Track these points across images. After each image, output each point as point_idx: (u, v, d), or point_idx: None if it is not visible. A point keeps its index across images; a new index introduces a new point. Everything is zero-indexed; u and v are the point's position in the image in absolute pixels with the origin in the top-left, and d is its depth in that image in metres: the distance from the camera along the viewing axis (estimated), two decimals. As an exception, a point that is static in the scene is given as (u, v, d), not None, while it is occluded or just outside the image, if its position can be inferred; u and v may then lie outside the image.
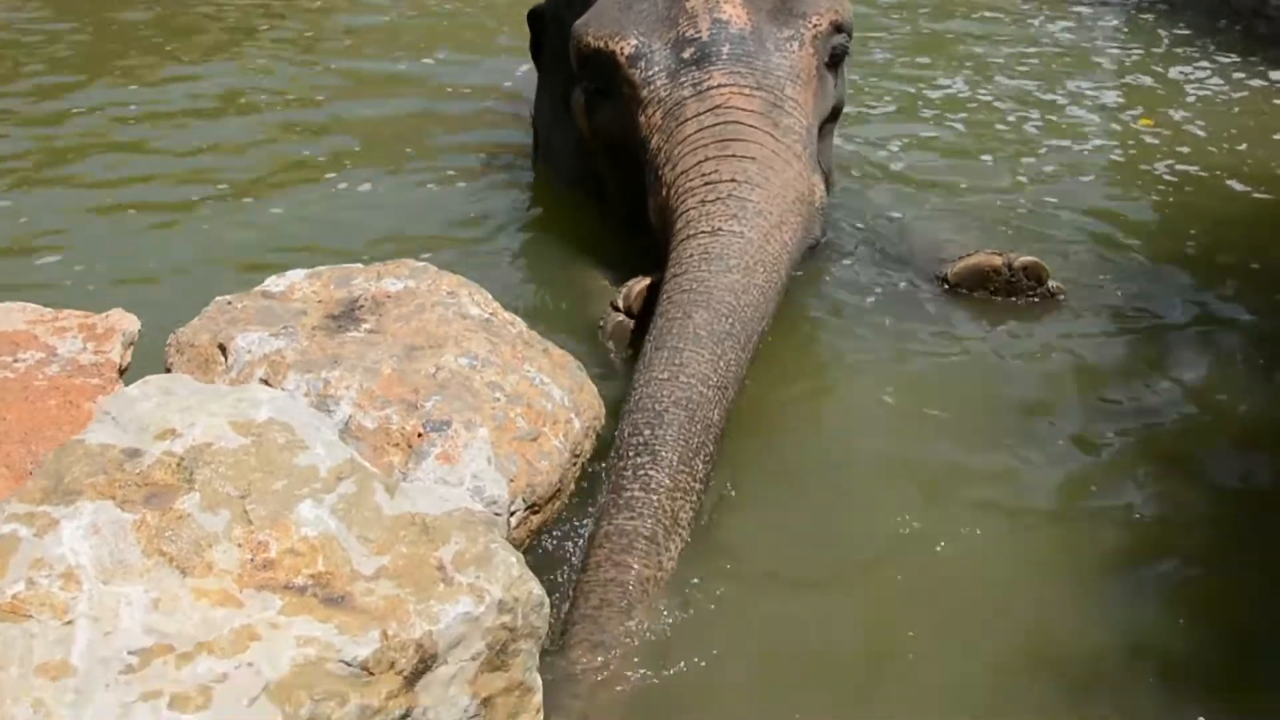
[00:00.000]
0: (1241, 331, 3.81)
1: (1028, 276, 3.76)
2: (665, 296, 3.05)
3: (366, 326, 2.66)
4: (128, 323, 2.65)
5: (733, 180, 3.22)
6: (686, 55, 3.45)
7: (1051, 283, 3.78)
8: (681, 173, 3.30)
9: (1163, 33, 7.40)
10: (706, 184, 3.23)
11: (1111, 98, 6.12)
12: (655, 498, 2.58)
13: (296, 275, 2.85)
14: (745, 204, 3.18)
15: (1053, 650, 2.51)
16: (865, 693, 2.40)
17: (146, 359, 2.74)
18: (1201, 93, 6.22)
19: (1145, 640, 2.55)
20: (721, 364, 2.86)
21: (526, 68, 5.22)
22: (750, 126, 3.33)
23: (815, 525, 2.84)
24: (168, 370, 2.61)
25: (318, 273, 2.86)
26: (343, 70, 6.24)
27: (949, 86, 6.10)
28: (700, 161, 3.28)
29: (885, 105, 5.69)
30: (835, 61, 3.75)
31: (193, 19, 7.09)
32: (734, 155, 3.27)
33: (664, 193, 3.35)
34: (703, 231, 3.14)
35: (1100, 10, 7.90)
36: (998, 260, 3.76)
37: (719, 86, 3.39)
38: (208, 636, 1.66)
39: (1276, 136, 5.60)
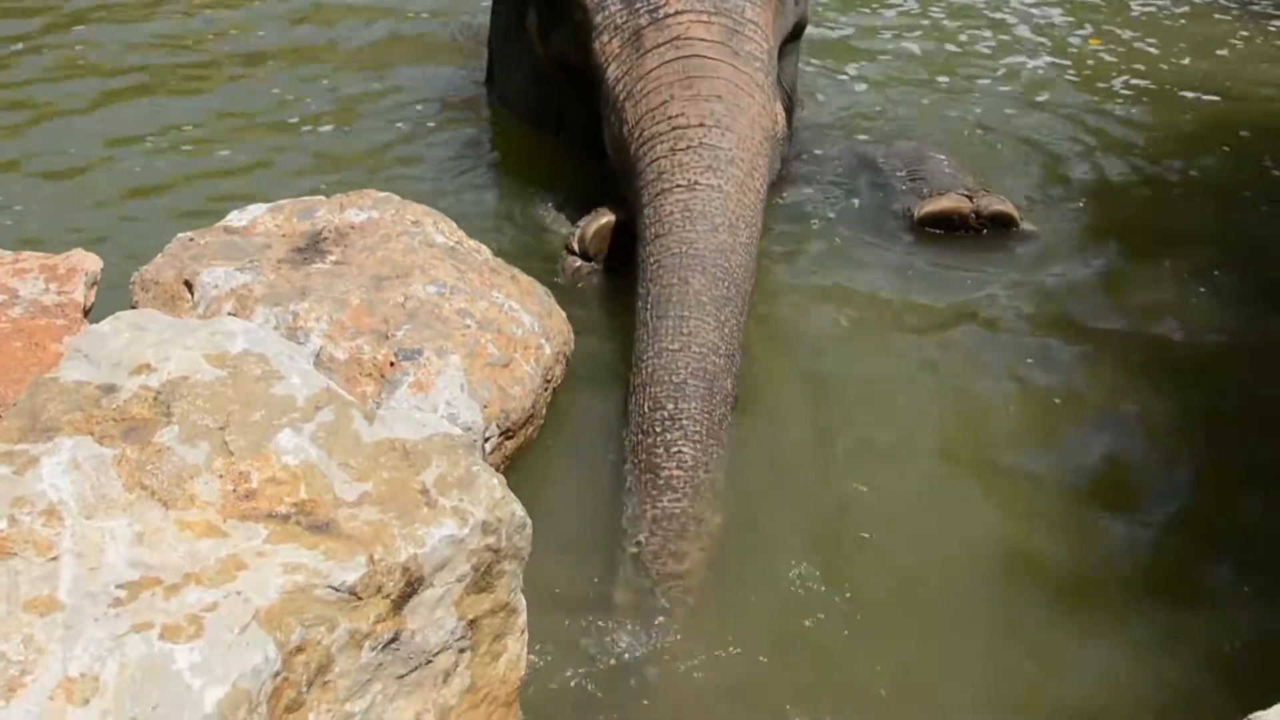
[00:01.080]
0: (1198, 249, 3.86)
1: (995, 223, 3.74)
2: (653, 259, 2.97)
3: (332, 258, 2.65)
4: (90, 262, 2.62)
5: (701, 125, 3.13)
6: None
7: (1023, 224, 3.76)
8: (646, 113, 3.21)
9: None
10: (674, 129, 3.14)
11: (1058, 15, 6.12)
12: (693, 474, 2.57)
13: (258, 209, 2.83)
14: (718, 152, 3.10)
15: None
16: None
17: (108, 299, 2.72)
18: (1147, 8, 6.25)
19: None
20: (726, 330, 2.83)
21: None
22: (712, 59, 3.24)
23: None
24: (133, 308, 2.58)
25: (279, 206, 2.84)
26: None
27: (901, 5, 6.08)
28: (665, 102, 3.19)
29: (843, 29, 5.65)
30: None
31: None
32: (699, 94, 3.18)
33: (623, 130, 3.27)
34: (679, 185, 3.06)
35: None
36: (966, 205, 3.72)
37: (676, 14, 3.28)
38: (194, 567, 1.66)
39: (1220, 51, 5.65)
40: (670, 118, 3.16)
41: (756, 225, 3.10)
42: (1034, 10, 6.10)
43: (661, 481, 2.55)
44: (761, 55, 3.36)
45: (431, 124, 4.57)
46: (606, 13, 3.38)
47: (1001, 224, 3.74)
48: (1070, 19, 6.06)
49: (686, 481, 2.55)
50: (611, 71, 3.35)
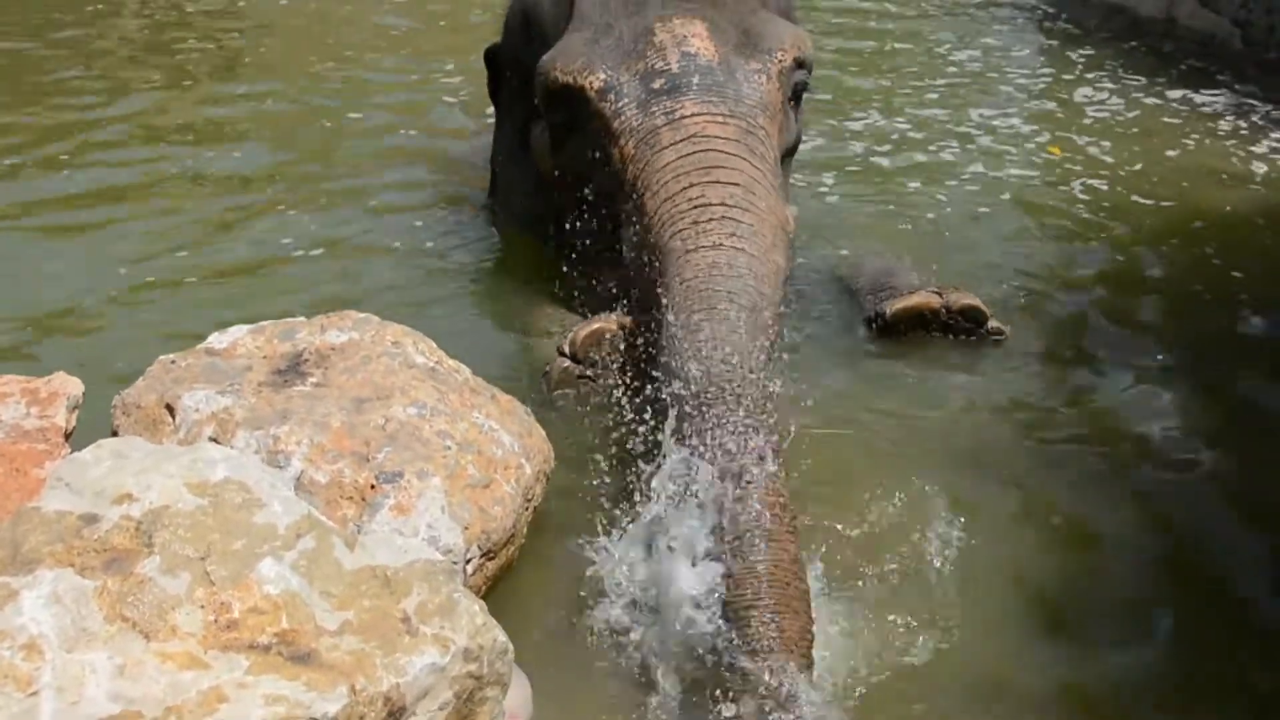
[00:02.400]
0: (1165, 349, 3.93)
1: (965, 318, 3.80)
2: (683, 300, 3.02)
3: (313, 380, 2.66)
4: (71, 386, 2.63)
5: (723, 204, 3.20)
6: (657, 86, 3.43)
7: (991, 323, 3.82)
8: (667, 199, 3.26)
9: (1072, 55, 7.60)
10: (696, 208, 3.21)
11: (1020, 124, 6.27)
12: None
13: (239, 331, 2.85)
14: (739, 224, 3.17)
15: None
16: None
17: (88, 420, 2.72)
18: (1101, 114, 6.43)
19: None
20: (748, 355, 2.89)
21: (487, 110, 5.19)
22: (729, 154, 3.31)
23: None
24: (114, 432, 2.60)
25: (260, 327, 2.86)
26: (291, 112, 6.23)
27: (867, 118, 6.22)
28: (686, 188, 3.25)
29: (813, 139, 5.76)
30: (796, 96, 3.77)
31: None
32: (718, 181, 3.24)
33: (645, 221, 3.31)
34: (704, 246, 3.12)
35: (1010, 38, 8.09)
36: (936, 301, 3.78)
37: (693, 115, 3.36)
38: (175, 700, 1.66)
39: (1171, 152, 5.84)
40: (692, 199, 3.22)
41: (778, 293, 3.17)
42: (995, 121, 6.25)
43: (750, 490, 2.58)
44: (771, 160, 3.45)
45: (428, 240, 4.61)
46: (623, 119, 3.45)
47: (971, 319, 3.79)
48: (1031, 127, 6.21)
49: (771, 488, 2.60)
50: (630, 171, 3.41)
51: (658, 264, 3.22)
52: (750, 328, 2.95)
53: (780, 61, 3.59)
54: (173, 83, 6.58)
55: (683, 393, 2.79)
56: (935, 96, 6.70)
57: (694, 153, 3.31)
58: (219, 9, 8.15)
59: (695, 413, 2.73)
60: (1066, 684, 2.57)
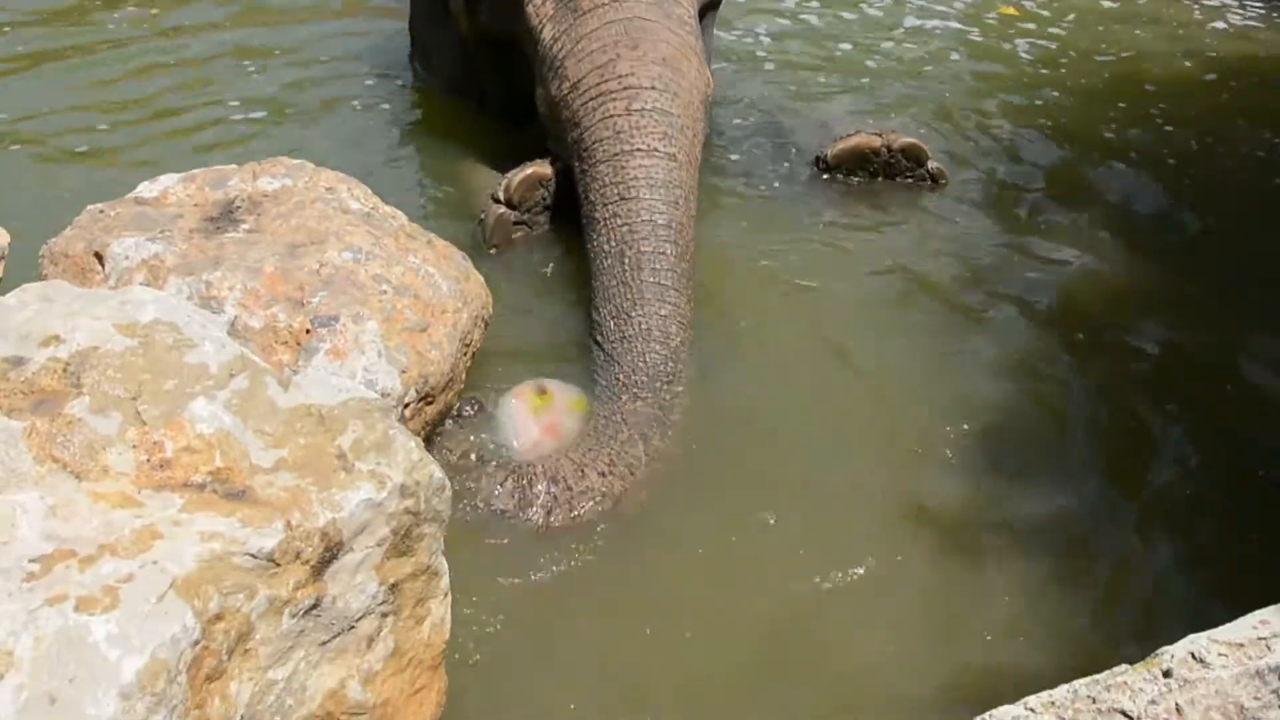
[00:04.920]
0: (1104, 205, 3.93)
1: (906, 157, 3.81)
2: (622, 222, 3.09)
3: (245, 227, 2.62)
4: (-3, 235, 2.59)
5: (653, 88, 3.24)
6: None
7: (931, 164, 3.83)
8: (593, 69, 3.29)
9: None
10: (627, 88, 3.24)
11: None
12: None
13: (170, 179, 2.79)
14: (669, 118, 3.22)
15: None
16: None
17: (16, 271, 2.68)
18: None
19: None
20: (689, 299, 3.05)
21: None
22: (652, 22, 3.34)
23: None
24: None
25: (191, 175, 2.81)
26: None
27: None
28: (611, 60, 3.27)
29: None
30: None
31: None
32: (645, 56, 3.27)
33: (564, 86, 3.33)
34: (639, 149, 3.17)
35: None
36: (876, 141, 3.81)
37: None
38: (109, 538, 1.64)
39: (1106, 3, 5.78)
40: (620, 76, 3.25)
41: (695, 194, 3.26)
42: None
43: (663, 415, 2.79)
44: (690, 21, 3.47)
45: (355, 98, 4.52)
46: None
47: (912, 158, 3.84)
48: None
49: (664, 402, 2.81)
50: (547, 32, 3.43)
51: (583, 138, 3.26)
52: (686, 275, 3.07)
53: None
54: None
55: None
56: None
57: (617, 19, 3.33)
58: None
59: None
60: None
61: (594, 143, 3.22)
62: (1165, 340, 3.25)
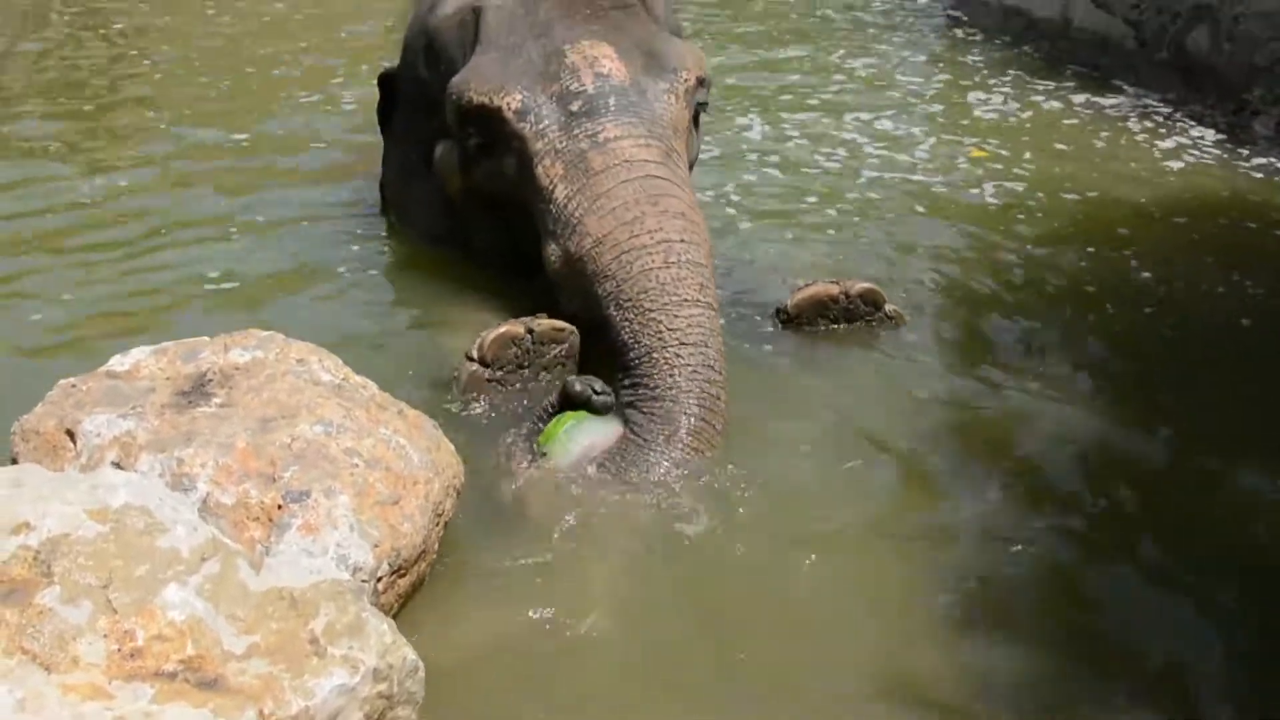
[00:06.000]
0: (1068, 347, 4.00)
1: (865, 302, 3.89)
2: (689, 366, 3.21)
3: (217, 400, 2.63)
4: (-33, 412, 2.59)
5: (681, 241, 3.37)
6: (575, 108, 3.56)
7: (889, 307, 3.91)
8: (620, 224, 3.39)
9: (970, 60, 7.76)
10: (660, 243, 3.36)
11: (923, 129, 6.40)
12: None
13: (141, 352, 2.81)
14: (701, 269, 3.36)
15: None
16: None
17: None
18: (1007, 117, 6.61)
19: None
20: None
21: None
22: (665, 180, 3.48)
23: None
24: (14, 460, 2.54)
25: (163, 348, 2.82)
26: (183, 134, 6.14)
27: (750, 128, 6.33)
28: (638, 216, 3.39)
29: (710, 150, 5.79)
30: (696, 115, 3.93)
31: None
32: (667, 211, 3.41)
33: (589, 243, 3.42)
34: (685, 299, 3.30)
35: (903, 45, 8.23)
36: (834, 289, 3.88)
37: (616, 139, 3.51)
38: (79, 732, 1.63)
39: (1059, 146, 6.04)
40: (651, 231, 3.37)
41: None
42: (898, 128, 6.41)
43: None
44: (687, 179, 3.64)
45: (330, 256, 4.56)
46: (546, 140, 3.58)
47: (870, 302, 3.90)
48: (945, 134, 6.34)
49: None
50: (560, 192, 3.53)
51: (623, 290, 3.35)
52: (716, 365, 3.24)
53: (685, 81, 3.76)
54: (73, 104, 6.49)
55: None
56: (830, 99, 6.84)
57: (635, 179, 3.46)
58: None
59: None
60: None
61: (639, 294, 3.31)
62: (1138, 485, 3.26)
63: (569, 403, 3.22)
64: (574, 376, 3.33)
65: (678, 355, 3.22)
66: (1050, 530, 3.04)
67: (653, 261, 3.34)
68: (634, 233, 3.37)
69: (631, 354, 3.28)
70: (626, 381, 3.26)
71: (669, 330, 3.25)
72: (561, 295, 3.57)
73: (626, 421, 3.19)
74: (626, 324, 3.31)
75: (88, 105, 6.60)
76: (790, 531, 2.97)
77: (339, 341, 3.21)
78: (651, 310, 3.29)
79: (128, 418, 2.53)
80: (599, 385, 3.24)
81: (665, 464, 3.07)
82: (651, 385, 3.20)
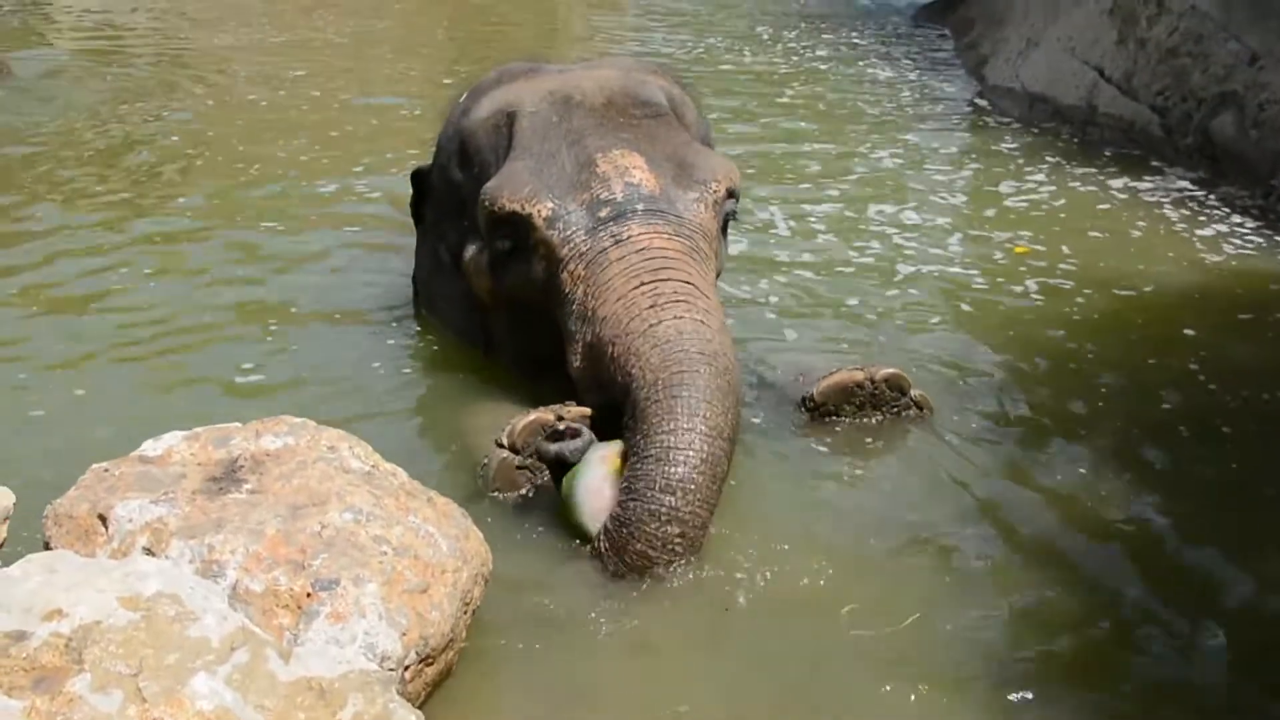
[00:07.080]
0: (1100, 436, 3.97)
1: (890, 388, 3.88)
2: (659, 363, 3.21)
3: (248, 487, 2.65)
4: (2, 497, 2.61)
5: (675, 293, 3.39)
6: (603, 214, 3.58)
7: (914, 392, 3.90)
8: (619, 298, 3.41)
9: (1003, 147, 7.80)
10: (651, 296, 3.38)
11: (954, 220, 6.44)
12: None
13: (173, 438, 2.84)
14: (695, 304, 3.37)
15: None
16: None
17: (19, 532, 2.70)
18: (1041, 205, 6.62)
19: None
20: (729, 418, 3.18)
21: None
22: (676, 257, 3.49)
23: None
24: (46, 544, 2.56)
25: (195, 434, 2.85)
26: (214, 235, 6.17)
27: (786, 221, 6.34)
28: (638, 286, 3.41)
29: (737, 241, 5.78)
30: (725, 224, 3.97)
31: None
32: (670, 279, 3.42)
33: (600, 323, 3.44)
34: (672, 317, 3.31)
35: (931, 134, 8.29)
36: (859, 375, 3.88)
37: (638, 233, 3.54)
38: (106, 823, 1.63)
39: (1095, 235, 6.03)
40: (645, 292, 3.40)
41: (736, 368, 3.38)
42: (927, 219, 6.41)
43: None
44: (711, 278, 3.66)
45: (361, 345, 4.60)
46: (571, 245, 3.61)
47: (896, 388, 3.89)
48: (975, 226, 6.35)
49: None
50: (579, 292, 3.56)
51: (619, 353, 3.35)
52: (727, 388, 3.21)
53: (715, 191, 3.80)
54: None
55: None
56: (865, 192, 6.86)
57: (644, 261, 3.48)
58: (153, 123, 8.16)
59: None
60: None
61: (628, 341, 3.33)
62: (1186, 583, 3.23)
63: (553, 466, 3.29)
64: (539, 437, 3.35)
65: (669, 374, 3.20)
66: (1090, 623, 3.02)
67: (640, 307, 3.36)
68: (630, 299, 3.40)
69: (659, 432, 3.21)
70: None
71: (651, 346, 3.26)
72: (583, 389, 3.57)
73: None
74: (638, 405, 3.27)
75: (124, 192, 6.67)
76: (823, 629, 2.96)
77: (369, 428, 3.23)
78: (633, 342, 3.31)
79: (159, 503, 2.55)
80: (561, 425, 3.31)
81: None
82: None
